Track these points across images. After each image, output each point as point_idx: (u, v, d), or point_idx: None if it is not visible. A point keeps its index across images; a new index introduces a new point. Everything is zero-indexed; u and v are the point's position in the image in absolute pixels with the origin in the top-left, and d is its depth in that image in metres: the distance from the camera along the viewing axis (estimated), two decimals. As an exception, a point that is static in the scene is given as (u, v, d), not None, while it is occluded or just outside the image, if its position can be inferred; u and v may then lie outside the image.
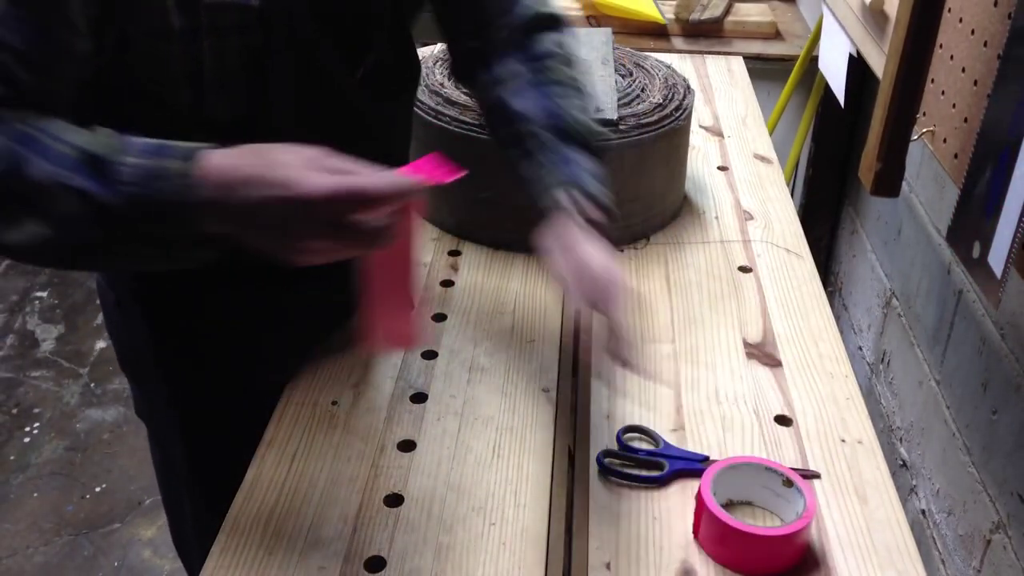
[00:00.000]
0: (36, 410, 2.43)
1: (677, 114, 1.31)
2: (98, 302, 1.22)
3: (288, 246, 0.73)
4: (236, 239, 0.74)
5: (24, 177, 0.72)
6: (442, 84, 1.34)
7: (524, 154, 0.99)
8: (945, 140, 1.14)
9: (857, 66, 1.70)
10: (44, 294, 2.89)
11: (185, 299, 1.01)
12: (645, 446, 0.98)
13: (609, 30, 1.58)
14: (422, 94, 1.33)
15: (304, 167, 0.71)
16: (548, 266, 0.92)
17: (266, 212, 0.71)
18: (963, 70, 1.10)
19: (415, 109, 1.31)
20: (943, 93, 1.15)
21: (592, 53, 1.45)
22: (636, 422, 1.01)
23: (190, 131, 0.77)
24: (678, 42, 2.21)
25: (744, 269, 1.28)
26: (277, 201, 0.70)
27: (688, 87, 1.39)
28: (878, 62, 1.45)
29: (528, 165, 0.98)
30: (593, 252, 0.90)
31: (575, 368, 1.11)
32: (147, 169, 0.72)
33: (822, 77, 2.03)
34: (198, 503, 1.00)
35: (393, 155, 0.95)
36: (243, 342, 1.05)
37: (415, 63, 1.07)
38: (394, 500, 0.92)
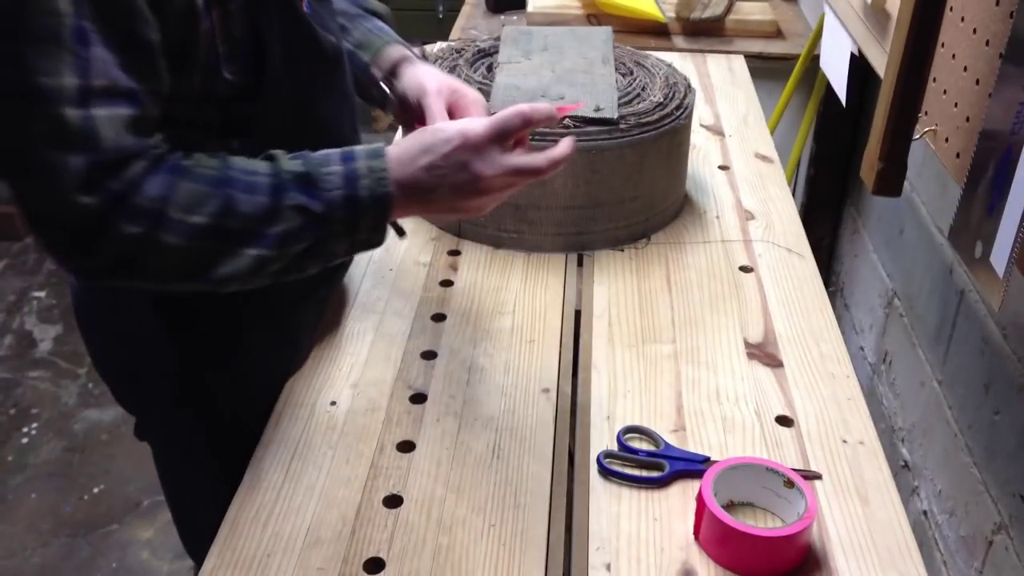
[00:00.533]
0: (34, 410, 2.42)
1: (678, 113, 1.31)
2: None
3: (468, 196, 0.87)
4: (422, 212, 0.91)
5: (238, 214, 0.81)
6: (442, 83, 1.34)
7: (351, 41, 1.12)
8: (947, 139, 1.13)
9: (859, 65, 1.70)
10: (42, 294, 2.89)
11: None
12: (645, 447, 0.98)
13: (609, 29, 1.57)
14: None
15: (463, 122, 0.88)
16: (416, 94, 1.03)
17: (448, 169, 0.85)
18: (965, 69, 1.09)
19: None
20: (945, 92, 1.15)
21: (592, 52, 1.44)
22: (636, 422, 1.01)
23: (200, 113, 0.85)
24: (679, 41, 2.21)
25: (745, 269, 1.27)
26: (457, 151, 0.85)
27: (689, 86, 1.39)
28: (880, 61, 1.45)
29: (355, 41, 1.12)
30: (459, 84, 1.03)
31: (575, 368, 1.11)
32: (346, 174, 0.85)
33: (823, 76, 2.03)
34: (227, 491, 0.99)
35: (352, 103, 1.09)
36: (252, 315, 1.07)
37: None
38: (393, 501, 0.92)
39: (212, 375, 1.08)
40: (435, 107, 1.01)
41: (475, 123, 0.87)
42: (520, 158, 0.87)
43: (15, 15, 0.73)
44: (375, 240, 0.88)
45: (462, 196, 0.87)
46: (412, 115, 1.04)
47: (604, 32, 1.55)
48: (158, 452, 1.25)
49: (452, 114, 1.00)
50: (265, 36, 0.90)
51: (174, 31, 0.81)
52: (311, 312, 1.15)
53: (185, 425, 1.13)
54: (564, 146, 0.89)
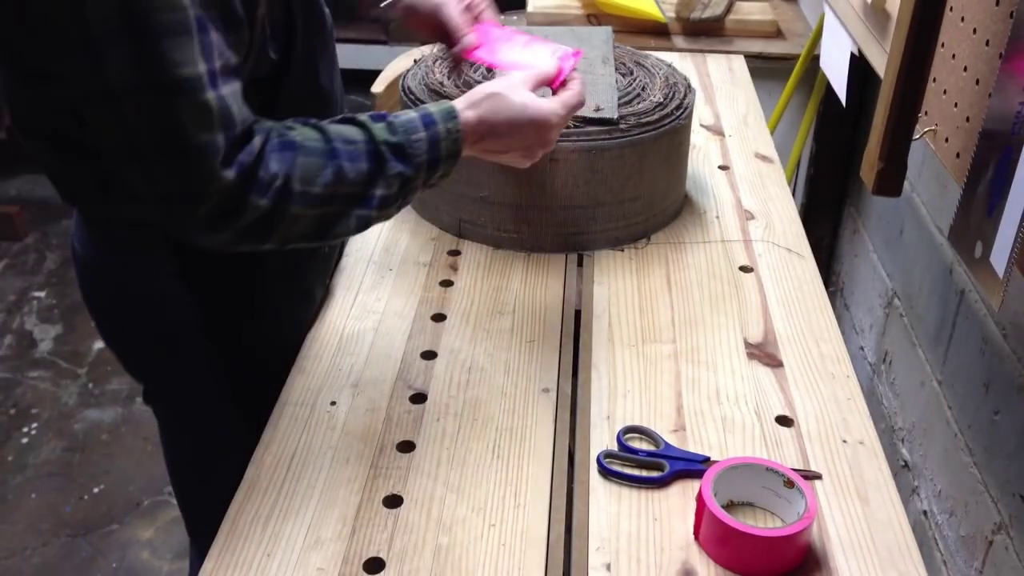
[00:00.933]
0: (34, 410, 2.42)
1: (678, 113, 1.31)
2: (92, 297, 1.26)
3: (527, 150, 1.03)
4: (484, 157, 1.04)
5: (347, 181, 0.91)
6: (441, 83, 1.34)
7: None
8: (947, 139, 1.13)
9: (859, 65, 1.70)
10: (42, 294, 2.89)
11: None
12: (645, 447, 0.98)
13: (609, 29, 1.57)
14: (422, 93, 1.33)
15: (530, 97, 1.00)
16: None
17: (513, 131, 1.00)
18: (965, 69, 1.09)
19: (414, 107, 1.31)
20: (945, 92, 1.15)
21: (592, 52, 1.44)
22: (636, 422, 1.01)
23: (247, 95, 0.90)
24: (679, 41, 2.21)
25: (745, 269, 1.27)
26: (531, 128, 1.00)
27: (689, 86, 1.39)
28: (880, 61, 1.45)
29: None
30: None
31: (575, 368, 1.11)
32: (430, 139, 0.95)
33: (823, 76, 2.03)
34: (244, 454, 1.02)
35: (338, 64, 1.16)
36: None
37: None
38: (393, 501, 0.92)
39: (232, 329, 1.12)
40: (456, 19, 1.10)
41: (552, 106, 1.00)
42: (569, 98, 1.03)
43: (147, 15, 0.79)
44: (443, 181, 1.02)
45: (530, 151, 1.03)
46: (423, 22, 1.13)
47: (604, 32, 1.55)
48: (170, 419, 1.25)
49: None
50: (295, 13, 0.99)
51: (247, 9, 0.89)
52: (320, 263, 1.21)
53: (205, 383, 1.16)
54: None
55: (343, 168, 0.91)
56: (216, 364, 1.15)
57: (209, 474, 1.19)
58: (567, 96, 1.03)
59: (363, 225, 0.96)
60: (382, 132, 0.94)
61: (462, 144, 0.98)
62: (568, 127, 1.23)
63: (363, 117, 0.96)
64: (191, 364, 1.15)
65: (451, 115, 0.97)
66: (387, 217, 0.98)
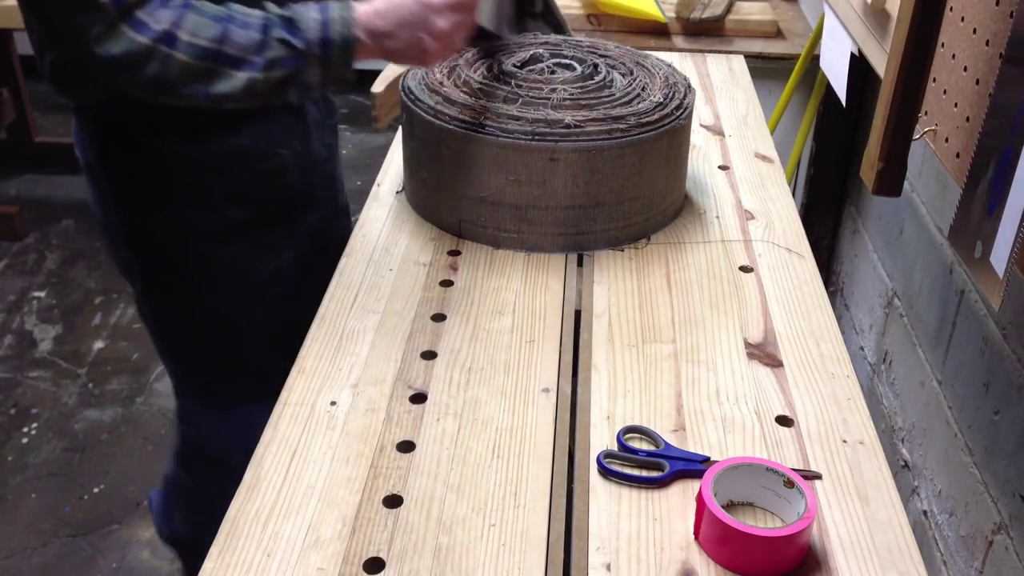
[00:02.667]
0: (34, 410, 2.42)
1: (678, 113, 1.31)
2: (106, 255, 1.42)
3: (422, 47, 1.15)
4: (383, 54, 1.16)
5: (234, 42, 1.08)
6: (441, 83, 1.34)
7: None
8: (947, 139, 1.13)
9: (859, 65, 1.70)
10: (42, 294, 2.89)
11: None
12: (645, 447, 0.98)
13: None
14: (422, 93, 1.33)
15: (427, 27, 1.13)
16: None
17: (406, 23, 1.13)
18: (965, 69, 1.09)
19: (414, 107, 1.31)
20: (945, 92, 1.15)
21: None
22: (636, 422, 1.01)
23: None
24: (679, 41, 2.21)
25: (745, 269, 1.27)
26: (413, 11, 1.12)
27: (689, 86, 1.39)
28: (880, 61, 1.45)
29: None
30: None
31: (575, 368, 1.11)
32: (322, 20, 1.11)
33: (823, 76, 2.03)
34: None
35: None
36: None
37: None
38: (393, 501, 0.92)
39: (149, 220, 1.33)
40: None
41: None
42: None
43: None
44: (343, 76, 1.14)
45: (420, 42, 1.14)
46: None
47: None
48: (142, 283, 1.42)
49: None
50: None
51: None
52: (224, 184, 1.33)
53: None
54: None
55: (231, 30, 1.08)
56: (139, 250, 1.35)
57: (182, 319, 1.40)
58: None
59: (250, 88, 1.09)
60: (276, 8, 1.11)
61: (353, 28, 1.12)
62: (569, 126, 1.23)
63: (271, 3, 1.13)
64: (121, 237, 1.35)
65: (345, 4, 1.13)
66: (282, 92, 1.12)
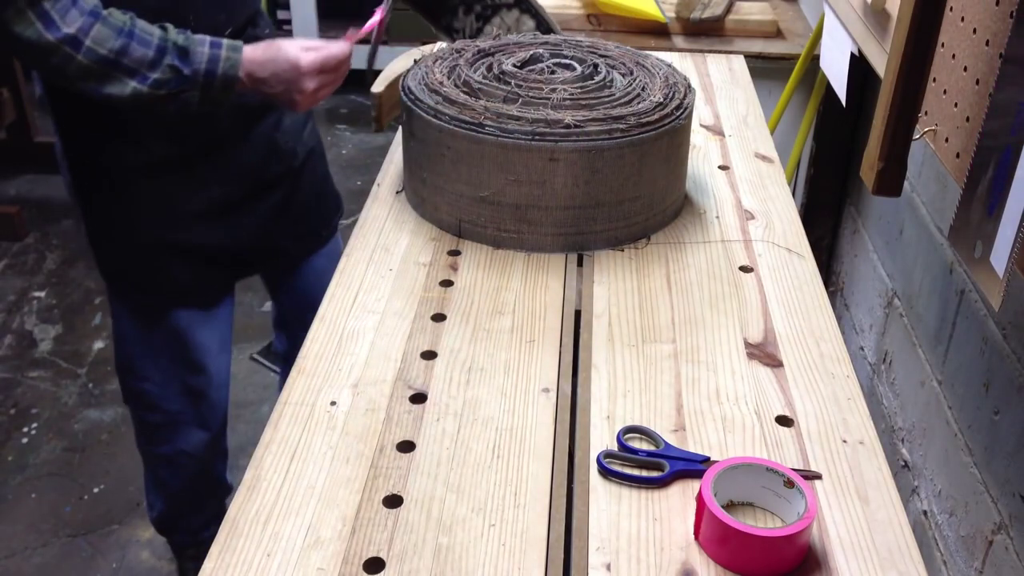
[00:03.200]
0: (34, 410, 2.42)
1: (678, 113, 1.31)
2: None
3: (292, 98, 1.36)
4: (260, 95, 1.37)
5: (131, 55, 1.26)
6: (441, 83, 1.34)
7: None
8: (947, 139, 1.13)
9: (859, 65, 1.70)
10: (42, 294, 2.89)
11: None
12: (645, 447, 0.98)
13: None
14: (422, 93, 1.33)
15: (299, 50, 1.33)
16: None
17: (280, 78, 1.34)
18: (965, 69, 1.09)
19: (414, 107, 1.31)
20: (945, 92, 1.15)
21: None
22: (636, 422, 1.01)
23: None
24: (679, 41, 2.21)
25: (745, 269, 1.27)
26: (290, 71, 1.33)
27: (689, 86, 1.39)
28: (879, 61, 1.45)
29: None
30: None
31: (575, 368, 1.11)
32: (211, 55, 1.30)
33: (823, 76, 2.03)
34: None
35: None
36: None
37: None
38: (393, 501, 0.92)
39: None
40: None
41: (308, 56, 1.33)
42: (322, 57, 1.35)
43: None
44: (221, 102, 1.34)
45: (290, 93, 1.35)
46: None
47: None
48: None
49: None
50: None
51: None
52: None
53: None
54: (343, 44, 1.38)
55: (131, 45, 1.25)
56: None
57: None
58: (324, 51, 1.34)
59: (135, 97, 1.28)
60: (175, 34, 1.28)
61: (237, 69, 1.31)
62: (569, 126, 1.23)
63: (171, 26, 1.29)
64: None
65: (236, 49, 1.31)
66: (164, 105, 1.30)
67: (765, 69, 2.17)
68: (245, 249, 1.60)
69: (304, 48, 1.34)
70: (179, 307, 1.59)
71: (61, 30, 1.21)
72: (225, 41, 1.31)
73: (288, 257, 1.71)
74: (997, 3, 1.02)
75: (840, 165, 2.16)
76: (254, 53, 1.32)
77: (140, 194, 1.49)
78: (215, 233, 1.55)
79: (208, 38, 1.30)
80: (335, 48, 1.36)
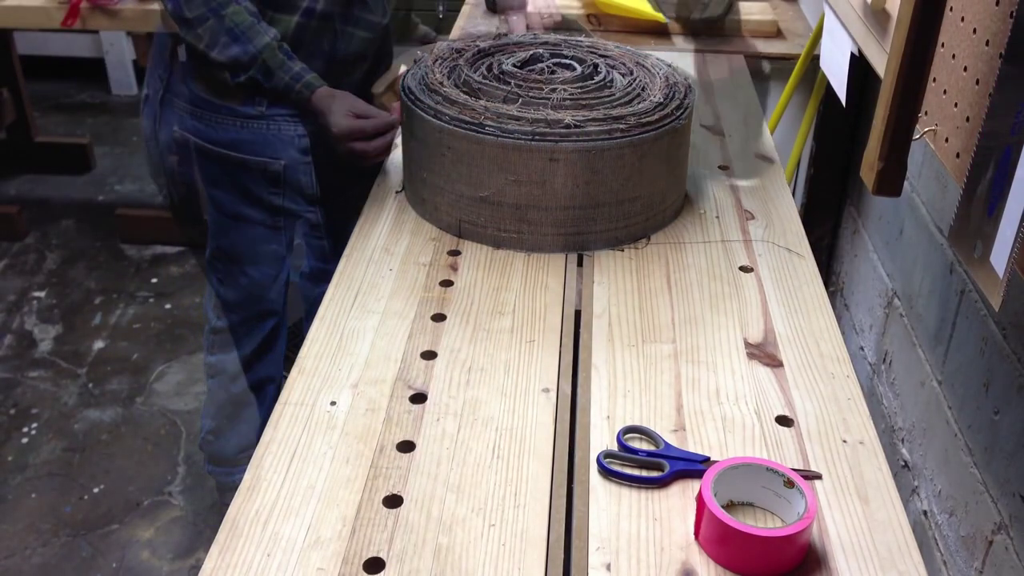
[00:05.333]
0: (34, 410, 2.42)
1: (678, 113, 1.31)
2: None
3: (338, 144, 1.48)
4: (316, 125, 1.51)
5: (230, 53, 1.43)
6: (441, 83, 1.34)
7: None
8: (947, 139, 1.13)
9: (859, 65, 1.70)
10: (42, 294, 2.89)
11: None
12: (645, 447, 0.98)
13: None
14: (422, 94, 1.33)
15: (344, 113, 1.46)
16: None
17: (338, 138, 1.47)
18: (965, 69, 1.09)
19: (414, 108, 1.31)
20: (945, 92, 1.15)
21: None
22: (636, 422, 1.01)
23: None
24: (679, 41, 2.21)
25: (745, 269, 1.27)
26: (345, 136, 1.46)
27: (689, 86, 1.39)
28: (879, 61, 1.45)
29: None
30: None
31: (575, 368, 1.11)
32: (286, 83, 1.46)
33: (823, 76, 2.03)
34: None
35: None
36: None
37: None
38: (393, 501, 0.92)
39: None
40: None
41: (344, 122, 1.45)
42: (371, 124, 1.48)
43: None
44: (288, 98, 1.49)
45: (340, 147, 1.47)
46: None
47: None
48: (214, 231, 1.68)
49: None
50: None
51: None
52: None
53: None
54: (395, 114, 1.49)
55: (230, 46, 1.41)
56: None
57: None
58: (367, 121, 1.47)
59: (230, 60, 1.44)
60: (271, 53, 1.44)
61: (307, 104, 1.47)
62: (569, 127, 1.23)
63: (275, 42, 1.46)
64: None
65: (312, 85, 1.47)
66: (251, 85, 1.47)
67: (765, 69, 2.17)
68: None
69: (347, 114, 1.45)
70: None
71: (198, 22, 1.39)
72: (306, 74, 1.47)
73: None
74: (997, 3, 1.02)
75: (840, 165, 2.16)
76: (323, 97, 1.47)
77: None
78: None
79: (295, 65, 1.46)
80: (375, 121, 1.46)
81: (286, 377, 1.09)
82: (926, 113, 1.19)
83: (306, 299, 1.90)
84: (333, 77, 1.54)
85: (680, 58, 1.94)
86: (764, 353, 1.12)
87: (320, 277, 1.65)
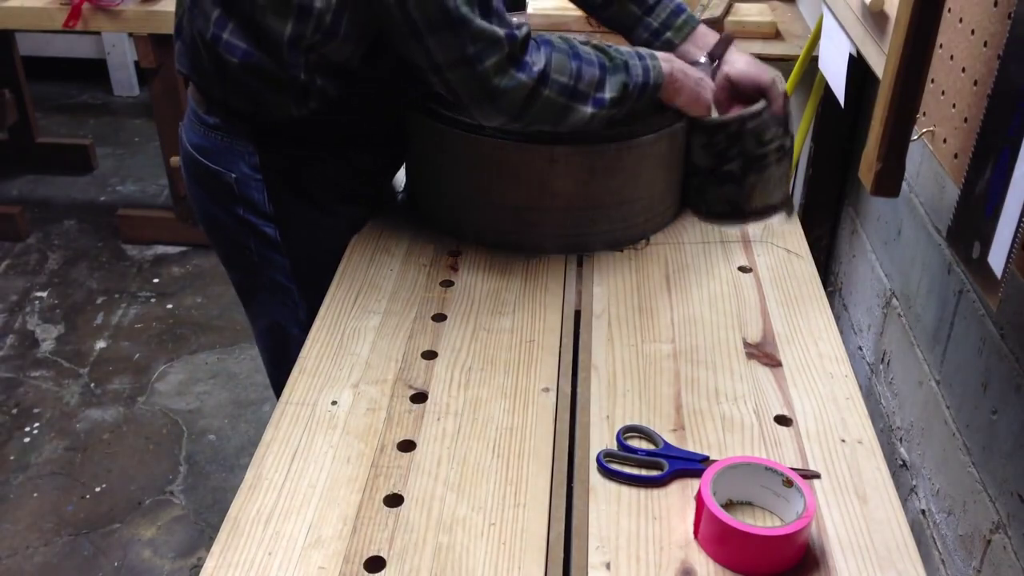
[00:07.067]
0: (36, 410, 2.43)
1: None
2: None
3: (699, 95, 1.29)
4: (666, 102, 1.29)
5: (584, 77, 1.18)
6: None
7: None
8: (945, 140, 1.14)
9: (857, 66, 1.70)
10: (44, 294, 2.89)
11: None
12: (645, 446, 0.98)
13: None
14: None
15: (705, 87, 1.31)
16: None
17: (689, 75, 1.28)
18: (963, 70, 1.10)
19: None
20: (943, 93, 1.15)
21: None
22: (636, 422, 1.01)
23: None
24: (678, 42, 2.20)
25: (744, 269, 1.28)
26: (693, 97, 1.29)
27: (688, 87, 1.39)
28: (878, 62, 1.45)
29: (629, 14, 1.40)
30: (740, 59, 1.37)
31: (575, 368, 1.11)
32: (644, 66, 1.23)
33: (822, 77, 2.03)
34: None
35: None
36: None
37: None
38: (394, 500, 0.92)
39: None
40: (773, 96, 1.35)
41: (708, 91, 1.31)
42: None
43: None
44: (636, 110, 1.25)
45: (698, 90, 1.29)
46: (733, 92, 1.37)
47: None
48: (261, 305, 1.46)
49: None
50: None
51: None
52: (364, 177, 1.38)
53: (272, 262, 1.37)
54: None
55: (582, 68, 1.17)
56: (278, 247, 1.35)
57: (288, 339, 1.41)
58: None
59: (590, 120, 1.19)
60: (609, 50, 1.22)
61: (662, 74, 1.25)
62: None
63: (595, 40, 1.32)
64: (261, 248, 1.36)
65: (651, 53, 1.26)
66: (602, 122, 1.22)
67: (764, 70, 2.16)
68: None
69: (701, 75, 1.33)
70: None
71: (534, 68, 1.15)
72: (642, 49, 1.26)
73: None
74: (995, 4, 1.02)
75: (838, 166, 2.16)
76: (674, 64, 1.28)
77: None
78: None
79: (625, 48, 1.25)
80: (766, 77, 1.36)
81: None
82: (924, 114, 1.19)
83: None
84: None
85: (680, 59, 1.94)
86: (763, 353, 1.12)
87: (277, 291, 1.43)
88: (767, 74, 1.35)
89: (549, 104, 1.16)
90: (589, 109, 1.18)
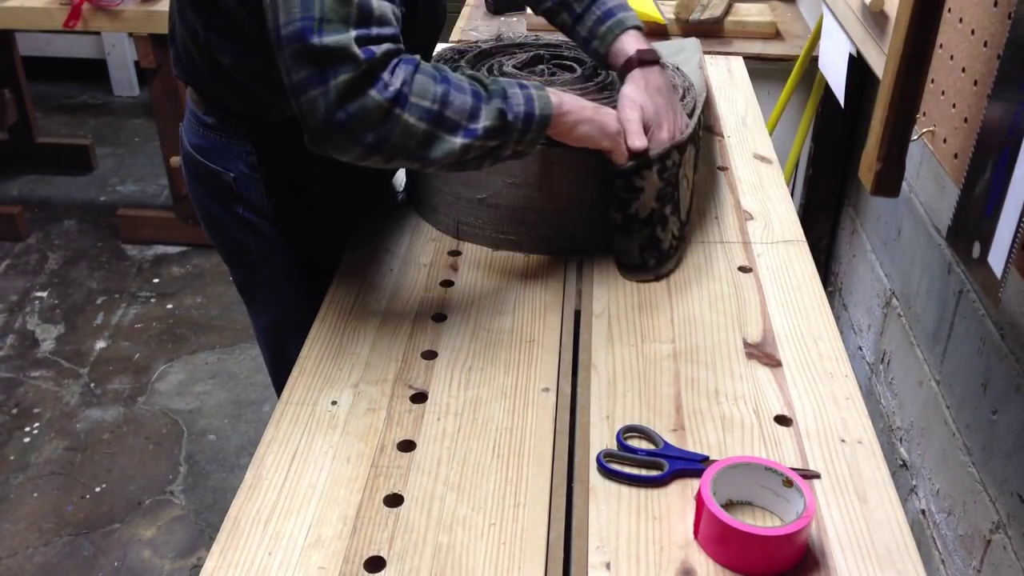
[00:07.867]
0: (36, 410, 2.43)
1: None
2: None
3: (604, 127, 1.18)
4: (566, 137, 1.18)
5: (452, 104, 1.06)
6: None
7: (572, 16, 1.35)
8: (945, 140, 1.14)
9: (857, 66, 1.70)
10: (44, 294, 2.89)
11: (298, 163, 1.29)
12: (645, 446, 0.98)
13: (696, 41, 1.60)
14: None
15: (606, 114, 1.19)
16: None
17: (586, 130, 1.17)
18: (963, 70, 1.10)
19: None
20: (943, 93, 1.15)
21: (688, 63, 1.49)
22: (636, 422, 1.01)
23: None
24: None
25: (744, 269, 1.28)
26: (595, 127, 1.18)
27: (689, 87, 1.39)
28: (878, 62, 1.45)
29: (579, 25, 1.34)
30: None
31: (575, 368, 1.11)
32: (526, 95, 1.12)
33: (822, 77, 2.04)
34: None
35: None
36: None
37: None
38: (394, 500, 0.92)
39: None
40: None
41: (613, 123, 1.20)
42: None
43: None
44: (528, 151, 1.16)
45: (602, 122, 1.19)
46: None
47: (692, 43, 1.57)
48: (256, 302, 1.47)
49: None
50: None
51: None
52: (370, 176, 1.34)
53: (278, 258, 1.38)
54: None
55: (449, 93, 1.06)
56: (283, 242, 1.35)
57: (288, 338, 1.38)
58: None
59: (463, 154, 1.08)
60: (486, 78, 1.13)
61: (551, 105, 1.13)
62: None
63: (463, 66, 1.26)
64: (265, 244, 1.35)
65: (536, 84, 1.15)
66: (479, 164, 1.12)
67: (764, 70, 2.17)
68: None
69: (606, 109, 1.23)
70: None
71: (389, 88, 1.02)
72: (527, 82, 1.15)
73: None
74: (995, 4, 1.02)
75: (838, 166, 2.17)
76: (568, 100, 1.16)
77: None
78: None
79: (503, 79, 1.14)
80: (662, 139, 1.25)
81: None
82: (924, 114, 1.19)
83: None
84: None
85: (680, 59, 1.94)
86: (763, 353, 1.12)
87: (277, 289, 1.42)
88: (625, 116, 1.23)
89: (408, 131, 1.03)
90: (459, 140, 1.06)
